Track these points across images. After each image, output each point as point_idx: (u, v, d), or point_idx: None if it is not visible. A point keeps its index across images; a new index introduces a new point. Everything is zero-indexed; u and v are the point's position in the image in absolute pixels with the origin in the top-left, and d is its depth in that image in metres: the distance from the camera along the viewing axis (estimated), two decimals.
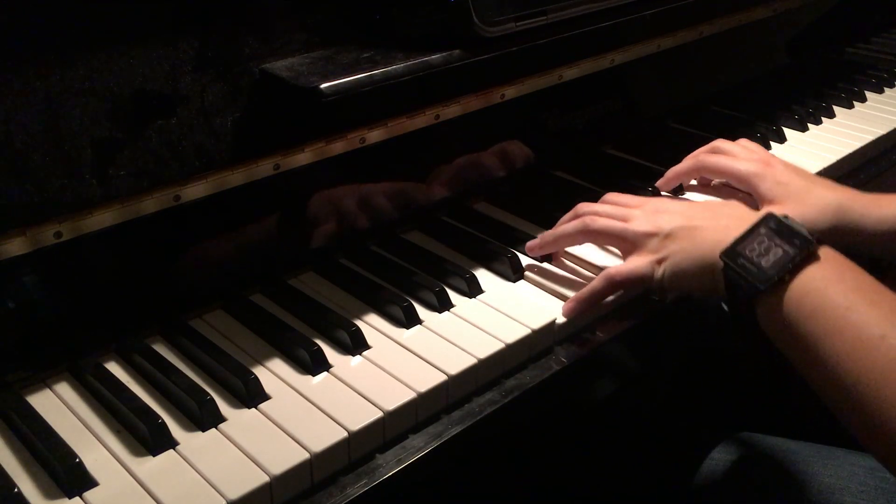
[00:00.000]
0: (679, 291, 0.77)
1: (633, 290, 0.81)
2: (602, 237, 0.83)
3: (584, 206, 0.86)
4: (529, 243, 0.87)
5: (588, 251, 0.88)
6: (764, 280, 0.67)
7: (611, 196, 0.88)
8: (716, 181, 1.00)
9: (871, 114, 1.26)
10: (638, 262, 0.78)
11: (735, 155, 0.94)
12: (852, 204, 0.86)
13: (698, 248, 0.75)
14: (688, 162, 0.98)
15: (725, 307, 0.75)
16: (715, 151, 0.96)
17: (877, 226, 0.86)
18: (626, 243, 0.81)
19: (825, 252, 0.68)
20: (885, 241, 0.86)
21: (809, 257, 0.67)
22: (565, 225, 0.85)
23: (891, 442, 0.59)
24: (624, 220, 0.82)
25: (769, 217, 0.71)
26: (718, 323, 0.86)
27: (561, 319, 0.79)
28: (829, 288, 0.65)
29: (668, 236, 0.77)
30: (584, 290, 0.79)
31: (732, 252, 0.71)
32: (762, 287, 0.67)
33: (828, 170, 1.09)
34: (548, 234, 0.86)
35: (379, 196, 0.90)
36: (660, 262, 0.77)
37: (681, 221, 0.78)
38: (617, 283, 0.79)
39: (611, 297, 0.81)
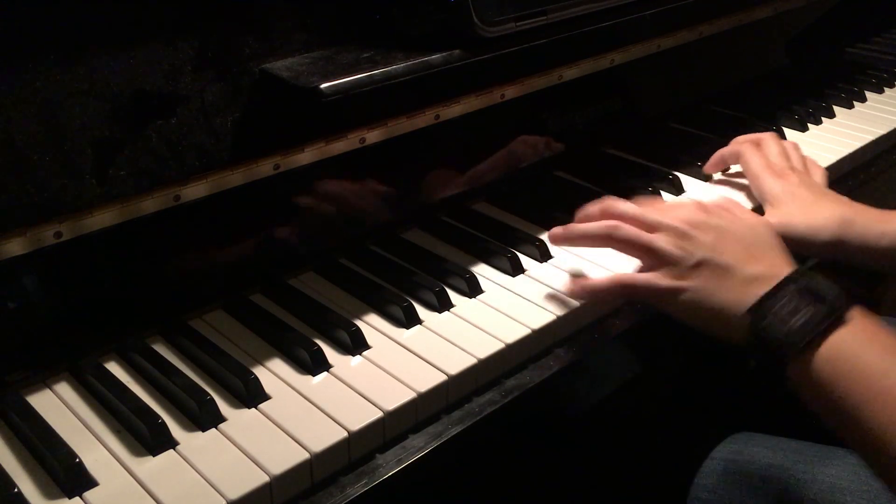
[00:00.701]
0: (689, 323, 0.75)
1: (638, 299, 0.79)
2: (626, 246, 0.78)
3: (611, 206, 0.82)
4: (553, 231, 0.84)
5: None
6: (792, 343, 0.66)
7: (642, 199, 0.85)
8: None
9: (871, 114, 1.26)
10: (658, 280, 0.75)
11: (765, 154, 0.97)
12: (856, 218, 0.87)
13: (722, 295, 0.72)
14: (733, 146, 1.01)
15: (753, 361, 0.72)
16: (759, 143, 0.99)
17: (878, 240, 0.86)
18: (651, 257, 0.77)
19: (856, 312, 0.67)
20: (885, 255, 0.87)
21: (839, 319, 0.66)
22: (590, 225, 0.81)
23: None
24: (652, 229, 0.78)
25: (798, 273, 0.71)
26: None
27: (560, 312, 0.76)
28: (863, 350, 0.64)
29: (695, 266, 0.73)
30: (593, 283, 0.77)
31: (761, 309, 0.69)
32: (791, 350, 0.66)
33: (828, 169, 1.09)
34: (573, 228, 0.82)
35: (379, 196, 0.90)
36: (681, 289, 0.74)
37: (710, 253, 0.74)
38: (628, 292, 0.77)
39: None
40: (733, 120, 1.21)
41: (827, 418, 0.66)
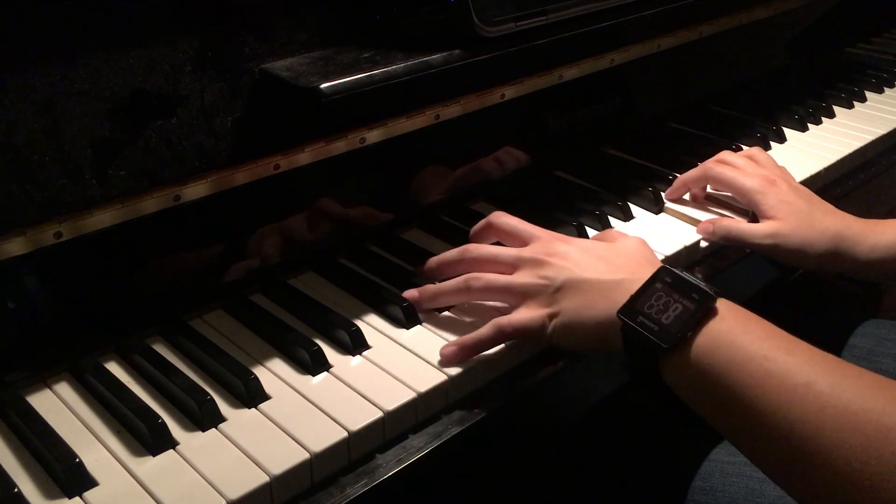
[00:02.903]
0: (571, 347, 0.74)
1: (523, 340, 0.75)
2: (488, 293, 0.77)
3: (466, 252, 0.80)
4: (408, 294, 0.80)
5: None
6: (667, 338, 0.65)
7: (498, 219, 0.82)
8: (720, 193, 1.00)
9: (871, 114, 1.27)
10: (529, 315, 0.73)
11: (741, 168, 0.95)
12: (848, 231, 0.87)
13: (592, 305, 0.71)
14: (695, 171, 0.98)
15: (623, 368, 0.71)
16: (721, 162, 0.97)
17: (869, 253, 0.87)
18: (515, 296, 0.75)
19: (725, 304, 0.66)
20: (875, 267, 0.87)
21: (710, 311, 0.65)
22: (446, 284, 0.78)
23: (834, 491, 0.56)
24: (512, 267, 0.77)
25: (663, 271, 0.69)
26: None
27: (454, 371, 0.72)
28: (738, 339, 0.63)
29: (558, 290, 0.73)
30: (470, 337, 0.73)
31: (631, 310, 0.68)
32: (666, 346, 0.64)
33: (828, 169, 1.09)
34: (430, 291, 0.79)
35: (378, 196, 0.90)
36: (551, 316, 0.73)
37: (570, 274, 0.73)
38: (506, 335, 0.73)
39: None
40: (733, 120, 1.21)
41: (709, 412, 0.65)
